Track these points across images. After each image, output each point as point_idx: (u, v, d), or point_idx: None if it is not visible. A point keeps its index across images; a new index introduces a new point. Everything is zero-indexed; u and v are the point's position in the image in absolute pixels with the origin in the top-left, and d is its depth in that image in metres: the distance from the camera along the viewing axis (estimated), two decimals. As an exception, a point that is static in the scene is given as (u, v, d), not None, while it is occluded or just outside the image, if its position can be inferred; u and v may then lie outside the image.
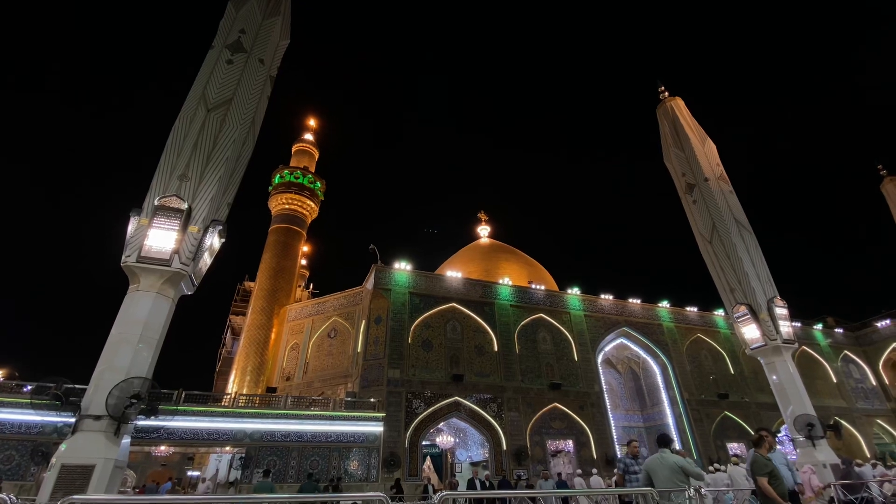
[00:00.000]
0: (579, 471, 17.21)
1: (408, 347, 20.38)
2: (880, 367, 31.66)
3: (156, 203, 9.27)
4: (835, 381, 29.73)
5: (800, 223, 70.23)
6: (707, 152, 17.75)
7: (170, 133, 10.09)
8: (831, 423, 13.47)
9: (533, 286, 25.71)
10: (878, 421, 29.26)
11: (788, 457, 8.03)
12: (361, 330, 21.64)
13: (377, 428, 17.99)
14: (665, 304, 27.90)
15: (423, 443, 19.68)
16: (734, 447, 24.00)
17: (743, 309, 14.57)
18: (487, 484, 11.97)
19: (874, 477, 10.74)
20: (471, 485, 11.51)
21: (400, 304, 21.23)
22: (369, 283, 22.26)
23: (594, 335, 24.76)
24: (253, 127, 10.92)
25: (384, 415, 18.27)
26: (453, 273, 23.79)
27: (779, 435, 15.90)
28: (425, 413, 19.24)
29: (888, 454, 26.28)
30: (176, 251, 9.10)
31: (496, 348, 21.96)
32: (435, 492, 13.58)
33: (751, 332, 14.23)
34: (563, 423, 21.57)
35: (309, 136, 34.00)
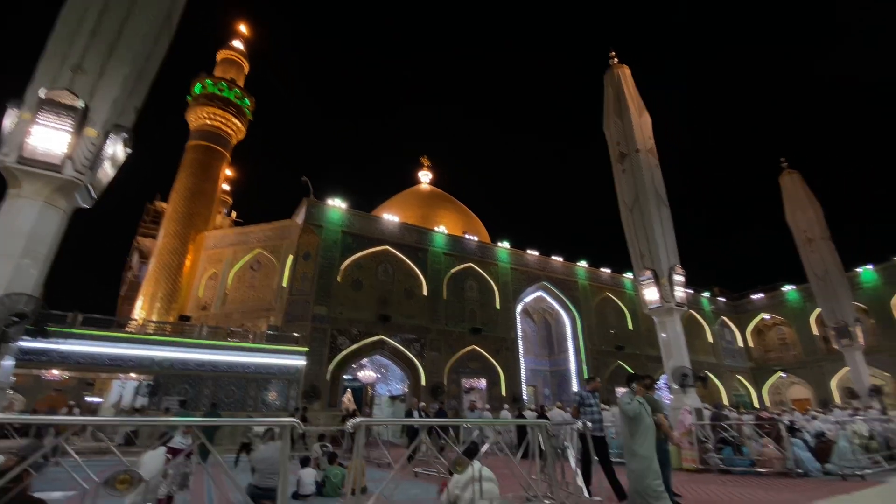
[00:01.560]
0: (488, 406, 17.79)
1: (337, 286, 19.49)
2: (748, 333, 35.67)
3: (42, 96, 7.57)
4: (710, 340, 33.30)
5: (706, 202, 75.70)
6: (643, 124, 17.61)
7: (60, 11, 8.14)
8: (701, 374, 14.70)
9: (467, 237, 25.43)
10: (739, 376, 33.40)
11: (664, 400, 8.51)
12: (288, 265, 20.23)
13: (299, 361, 17.33)
14: (583, 263, 29.05)
15: (346, 377, 19.56)
16: (621, 391, 26.14)
17: (648, 273, 15.04)
18: (423, 415, 11.92)
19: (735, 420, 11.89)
20: (409, 415, 11.39)
21: (331, 241, 20.01)
22: (300, 216, 20.66)
23: (517, 287, 25.22)
24: (168, 22, 8.91)
25: (307, 349, 17.57)
26: (390, 216, 22.75)
27: (658, 382, 17.20)
28: (350, 349, 18.85)
29: (741, 403, 30.08)
30: (69, 156, 7.63)
31: (425, 293, 21.81)
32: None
33: (651, 294, 14.81)
34: (479, 364, 22.24)
35: (238, 45, 28.72)
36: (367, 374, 20.00)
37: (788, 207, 24.33)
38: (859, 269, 30.56)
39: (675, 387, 13.04)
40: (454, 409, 18.85)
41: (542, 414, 14.41)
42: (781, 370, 32.59)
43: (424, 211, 30.14)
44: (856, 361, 21.40)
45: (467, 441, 6.71)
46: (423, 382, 20.14)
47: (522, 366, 24.26)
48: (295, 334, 17.76)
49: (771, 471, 8.79)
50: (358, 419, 4.15)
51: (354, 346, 19.02)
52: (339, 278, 19.74)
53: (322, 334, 18.45)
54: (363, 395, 20.79)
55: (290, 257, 20.16)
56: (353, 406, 18.72)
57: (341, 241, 20.27)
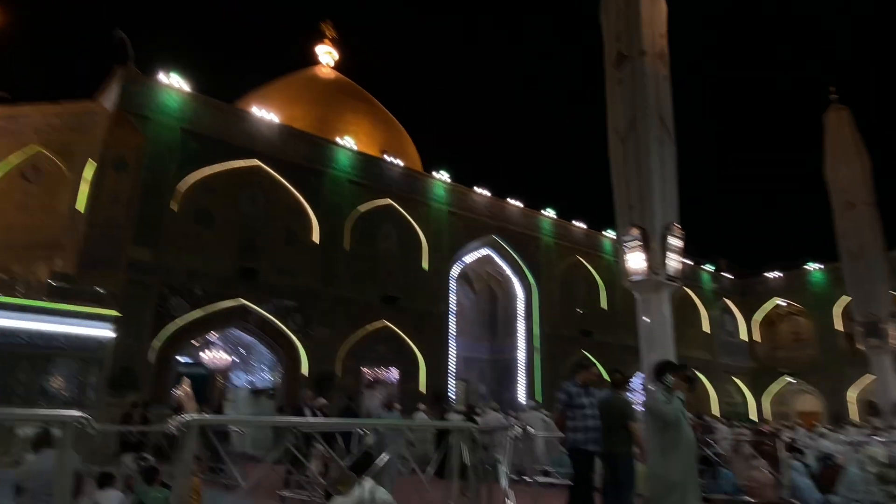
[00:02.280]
0: (421, 406, 17.98)
1: (171, 218, 18.16)
2: (755, 323, 38.92)
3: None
4: (707, 330, 36.03)
5: (722, 143, 79.63)
6: (655, 14, 17.37)
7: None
8: (689, 374, 15.65)
9: (387, 158, 24.64)
10: (735, 379, 36.56)
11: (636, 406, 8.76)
12: (88, 176, 18.33)
13: (103, 331, 16.12)
14: (550, 213, 29.59)
15: (182, 359, 18.82)
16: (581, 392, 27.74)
17: (636, 232, 15.32)
18: (319, 414, 11.82)
19: (727, 436, 12.65)
20: (299, 413, 11.27)
21: (165, 144, 18.41)
22: (109, 98, 18.56)
23: (455, 240, 25.26)
24: None
25: (117, 313, 16.35)
26: (265, 113, 21.20)
27: (632, 380, 18.26)
28: (191, 318, 17.90)
29: (734, 414, 33.13)
30: None
31: (316, 238, 21.11)
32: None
33: (636, 260, 15.20)
34: (391, 347, 22.37)
35: None
36: (216, 357, 19.43)
37: (830, 157, 25.99)
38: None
39: (653, 388, 13.75)
40: (367, 409, 18.85)
41: (470, 416, 14.77)
42: (790, 374, 36.26)
43: (322, 111, 28.42)
44: (884, 368, 23.91)
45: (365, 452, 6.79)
46: (306, 371, 19.90)
47: (453, 352, 24.73)
48: (98, 289, 16.43)
49: (761, 501, 9.47)
50: (189, 416, 3.64)
51: (198, 314, 18.16)
52: (174, 205, 18.38)
53: (144, 292, 17.32)
54: (209, 387, 20.35)
55: (91, 165, 18.34)
56: (193, 403, 18.13)
57: (181, 146, 18.72)
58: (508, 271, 28.30)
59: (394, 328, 22.46)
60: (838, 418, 29.26)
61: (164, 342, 17.39)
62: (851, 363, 33.32)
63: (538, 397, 25.95)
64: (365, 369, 21.79)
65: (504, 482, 6.23)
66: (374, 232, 22.89)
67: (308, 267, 20.73)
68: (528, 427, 6.01)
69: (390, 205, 23.52)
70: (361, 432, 8.98)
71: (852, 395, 33.76)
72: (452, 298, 25.51)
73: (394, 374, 22.42)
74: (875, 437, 12.83)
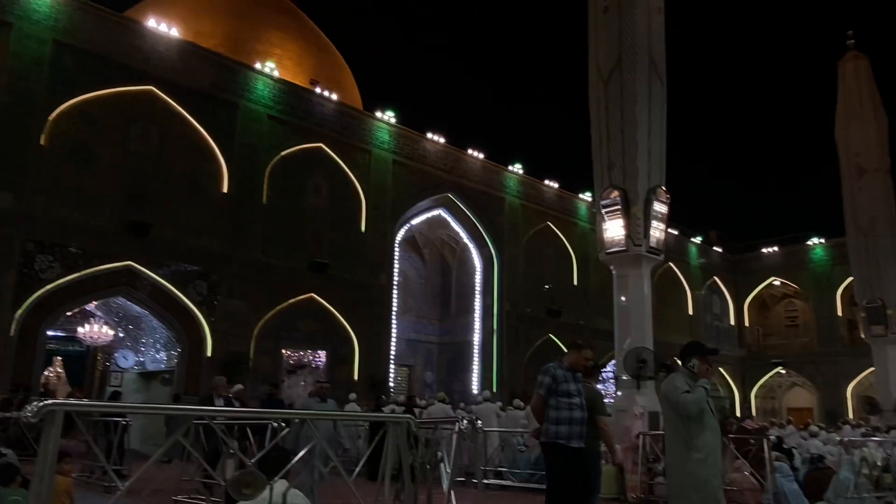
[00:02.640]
0: (353, 395, 17.97)
1: (39, 154, 17.33)
2: (746, 305, 40.43)
3: None
4: (691, 312, 37.24)
5: (720, 95, 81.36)
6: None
7: None
8: (668, 362, 16.05)
9: (318, 90, 24.03)
10: (721, 369, 37.99)
11: (606, 399, 8.92)
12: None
13: (-53, 296, 15.28)
14: (517, 169, 29.60)
15: (53, 333, 18.27)
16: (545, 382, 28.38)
17: (616, 195, 15.54)
18: (237, 404, 12.16)
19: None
20: (208, 403, 11.19)
21: (31, 59, 17.46)
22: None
23: (401, 195, 25.16)
24: None
25: (-33, 273, 15.55)
26: (164, 26, 20.22)
27: (604, 369, 18.77)
28: (62, 281, 17.27)
29: (718, 408, 34.47)
30: None
31: (226, 187, 20.60)
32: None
33: (615, 229, 15.39)
34: (319, 326, 22.32)
35: None
36: (96, 332, 18.90)
37: (842, 113, 26.86)
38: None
39: (627, 378, 14.03)
40: (259, 395, 18.71)
41: (410, 408, 14.81)
42: (781, 364, 38.04)
43: (237, 27, 26.74)
44: (886, 360, 25.31)
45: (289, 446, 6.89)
46: (210, 352, 19.61)
47: (394, 332, 24.75)
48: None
49: (743, 508, 9.83)
50: (52, 401, 3.40)
51: (73, 277, 17.51)
52: (43, 139, 17.49)
53: (3, 248, 16.59)
54: (88, 368, 19.88)
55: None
56: (64, 385, 17.71)
57: (52, 63, 17.73)
58: (465, 237, 28.36)
59: (322, 302, 22.28)
60: (833, 416, 30.89)
61: (29, 312, 16.78)
62: (851, 354, 35.10)
63: (495, 387, 26.34)
64: (286, 351, 21.65)
65: (446, 484, 6.18)
66: (299, 182, 22.46)
67: (215, 223, 20.29)
68: (478, 421, 5.93)
69: (320, 149, 23.08)
70: (276, 425, 8.83)
71: (850, 390, 35.68)
72: (396, 268, 25.41)
73: (321, 357, 22.33)
74: (872, 438, 13.49)
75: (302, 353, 22.00)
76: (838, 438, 11.05)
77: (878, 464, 10.14)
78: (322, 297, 22.23)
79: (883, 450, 10.40)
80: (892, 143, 27.25)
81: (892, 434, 19.79)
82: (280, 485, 4.44)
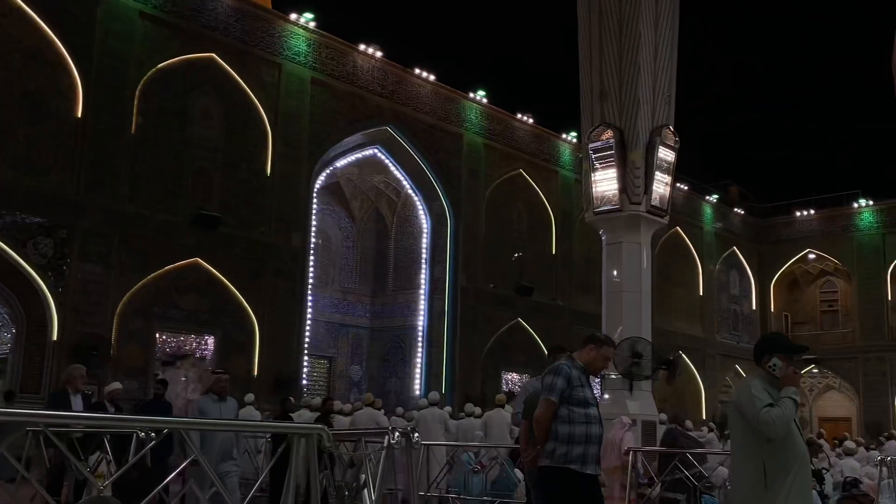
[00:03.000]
0: (250, 399, 17.93)
1: None
2: (772, 284, 41.35)
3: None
4: (701, 293, 38.08)
5: (746, 17, 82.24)
6: None
7: None
8: (670, 356, 16.38)
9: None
10: (738, 366, 38.89)
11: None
12: None
13: None
14: (481, 96, 29.40)
15: None
16: (513, 379, 28.54)
17: (608, 136, 15.58)
18: (112, 408, 12.22)
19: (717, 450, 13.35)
20: (61, 401, 11.53)
21: None
22: None
23: (323, 128, 25.25)
24: None
25: None
26: None
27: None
28: None
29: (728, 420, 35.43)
30: None
31: (80, 111, 20.30)
32: None
33: (606, 181, 15.45)
34: (207, 302, 22.32)
35: None
36: None
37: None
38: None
39: (616, 376, 14.19)
40: (134, 398, 18.46)
41: (326, 413, 14.75)
42: (815, 361, 39.12)
43: None
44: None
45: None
46: (56, 334, 19.37)
47: (309, 313, 24.66)
48: None
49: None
50: None
51: None
52: None
53: None
54: None
55: None
56: None
57: None
58: (409, 187, 28.28)
59: (211, 270, 22.14)
60: (876, 429, 32.01)
61: None
62: (903, 352, 36.49)
63: (444, 388, 26.50)
64: (161, 336, 21.50)
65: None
66: (181, 105, 22.10)
67: (65, 159, 19.97)
68: (415, 434, 5.84)
69: (212, 61, 22.74)
70: (143, 436, 8.74)
71: (901, 398, 37.07)
72: (314, 226, 25.22)
73: (209, 345, 22.23)
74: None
75: (183, 338, 21.87)
76: (880, 457, 11.32)
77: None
78: (211, 264, 22.09)
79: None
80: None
81: (948, 453, 20.74)
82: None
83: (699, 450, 11.77)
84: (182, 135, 21.96)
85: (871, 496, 10.55)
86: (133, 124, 20.97)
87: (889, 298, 37.99)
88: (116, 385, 13.15)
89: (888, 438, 22.66)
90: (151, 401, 14.42)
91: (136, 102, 21.06)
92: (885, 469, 9.67)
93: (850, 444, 17.06)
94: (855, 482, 11.38)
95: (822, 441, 21.88)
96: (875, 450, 19.50)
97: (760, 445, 5.18)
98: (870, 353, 37.90)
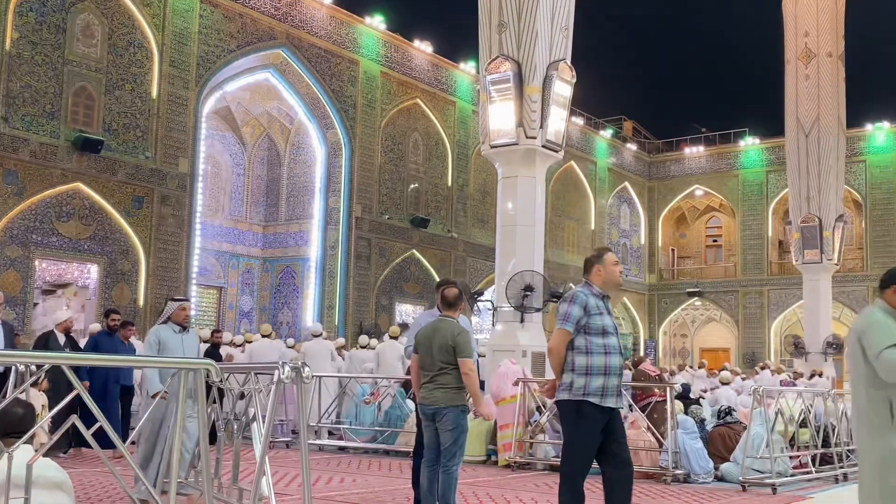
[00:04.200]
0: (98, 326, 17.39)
1: None
2: (661, 219, 42.70)
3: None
4: (593, 227, 38.92)
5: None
6: None
7: None
8: (561, 290, 16.66)
9: None
10: (626, 300, 40.18)
11: (475, 336, 9.14)
12: None
13: None
14: (378, 21, 29.29)
15: None
16: (407, 311, 28.82)
17: (506, 68, 15.55)
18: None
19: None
20: None
21: None
22: None
23: (212, 49, 24.70)
24: None
25: None
26: None
27: (480, 299, 19.34)
28: None
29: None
30: None
31: None
32: None
33: (503, 114, 15.51)
34: (89, 229, 21.88)
35: None
36: None
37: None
38: (869, 128, 38.03)
39: (508, 309, 14.47)
40: (43, 327, 17.79)
41: (214, 346, 14.59)
42: (698, 294, 40.79)
43: None
44: (818, 291, 27.46)
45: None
46: None
47: (198, 242, 24.31)
48: None
49: (635, 470, 10.48)
50: None
51: None
52: None
53: None
54: None
55: None
56: None
57: None
58: (303, 114, 27.87)
59: (93, 195, 21.56)
60: (753, 359, 33.79)
61: None
62: (780, 283, 38.28)
63: (338, 320, 26.57)
64: (42, 263, 21.00)
65: (259, 449, 6.09)
66: (60, 21, 21.23)
67: None
68: (307, 366, 5.77)
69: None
70: (23, 369, 8.49)
71: (775, 327, 39.18)
72: (203, 152, 24.65)
73: (93, 273, 21.74)
74: (792, 387, 14.56)
75: (64, 266, 21.45)
76: (753, 387, 11.87)
77: (796, 418, 11.09)
78: (93, 189, 21.53)
79: (802, 401, 11.19)
80: (849, 23, 28.89)
81: (816, 382, 21.93)
82: (23, 451, 4.17)
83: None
84: (60, 53, 21.01)
85: (744, 423, 10.93)
86: (7, 40, 19.96)
87: (769, 234, 39.68)
88: None
89: (762, 368, 23.77)
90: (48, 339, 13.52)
91: (10, 17, 20.02)
92: (757, 397, 10.23)
93: (726, 374, 17.73)
94: (729, 410, 11.84)
95: (700, 370, 22.96)
96: (749, 379, 20.47)
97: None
98: (749, 286, 39.66)
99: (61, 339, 11.90)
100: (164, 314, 8.52)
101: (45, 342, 12.04)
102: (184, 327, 8.55)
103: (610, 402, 5.88)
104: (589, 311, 6.00)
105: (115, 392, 12.00)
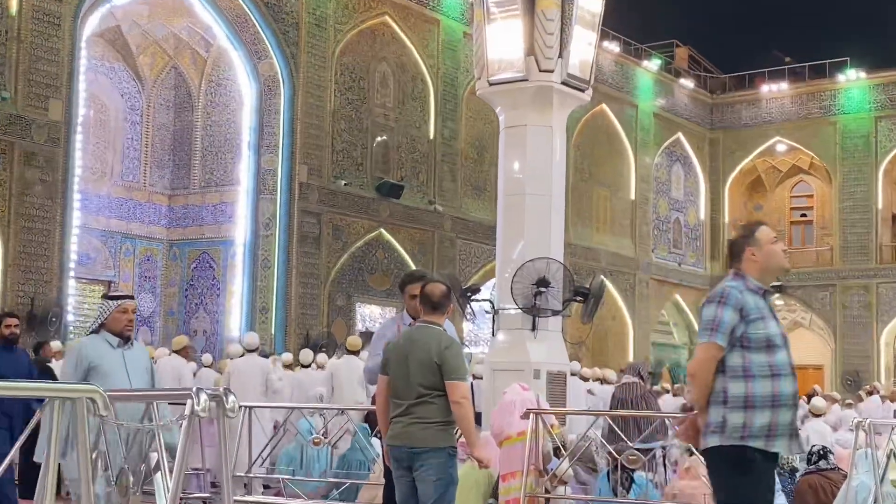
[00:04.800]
0: None
1: None
2: (728, 184, 42.49)
3: None
4: (633, 196, 38.99)
5: None
6: None
7: None
8: (588, 285, 16.63)
9: None
10: (678, 296, 40.10)
11: (467, 349, 9.21)
12: None
13: None
14: None
15: None
16: (371, 315, 28.78)
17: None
18: None
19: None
20: None
21: None
22: None
23: None
24: None
25: None
26: None
27: (474, 299, 19.34)
28: None
29: (668, 367, 36.52)
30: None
31: None
32: None
33: (507, 38, 15.53)
34: None
35: None
36: None
37: None
38: None
39: (513, 310, 14.38)
40: None
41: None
42: (779, 289, 40.28)
43: None
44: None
45: None
46: None
47: (76, 218, 24.38)
48: None
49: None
50: None
51: None
52: None
53: None
54: None
55: None
56: None
57: None
58: (224, 38, 27.84)
59: None
60: (856, 381, 33.73)
61: None
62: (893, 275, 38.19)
63: (274, 328, 26.52)
64: None
65: (163, 497, 6.15)
66: None
67: None
68: (231, 394, 5.79)
69: None
70: None
71: (886, 336, 39.00)
72: (83, 92, 24.59)
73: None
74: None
75: None
76: (856, 419, 11.72)
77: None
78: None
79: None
80: None
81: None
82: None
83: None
84: None
85: (844, 470, 10.82)
86: None
87: (879, 206, 39.59)
88: None
89: (869, 394, 23.67)
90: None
91: None
92: (862, 434, 10.05)
93: (819, 401, 17.61)
94: (824, 452, 11.67)
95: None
96: (851, 409, 20.46)
97: None
98: (851, 279, 39.56)
99: None
100: (95, 320, 7.89)
101: None
102: (125, 339, 7.90)
103: (778, 446, 5.65)
104: (748, 314, 5.71)
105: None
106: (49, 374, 14.05)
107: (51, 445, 4.58)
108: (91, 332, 7.54)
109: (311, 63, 28.27)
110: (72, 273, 24.23)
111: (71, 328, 23.88)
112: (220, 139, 28.45)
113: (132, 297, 8.10)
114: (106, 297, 8.01)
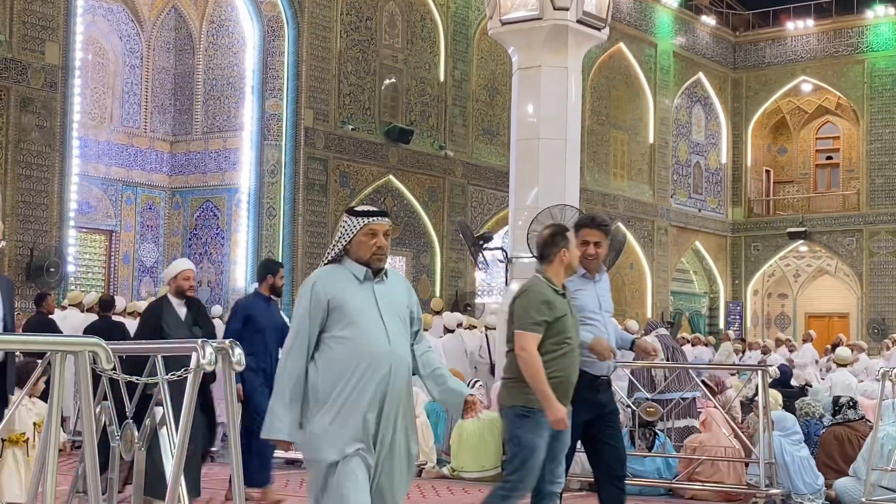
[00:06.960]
0: None
1: None
2: (751, 127, 42.27)
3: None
4: (651, 140, 38.94)
5: None
6: None
7: None
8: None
9: None
10: (698, 243, 40.06)
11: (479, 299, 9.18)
12: None
13: None
14: None
15: None
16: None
17: None
18: None
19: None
20: None
21: None
22: None
23: None
24: None
25: None
26: None
27: (487, 247, 19.35)
28: None
29: (687, 317, 36.55)
30: None
31: None
32: None
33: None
34: None
35: None
36: None
37: None
38: None
39: (527, 258, 14.41)
40: None
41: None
42: (804, 235, 40.42)
43: None
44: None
45: None
46: None
47: (75, 165, 24.38)
48: None
49: (711, 489, 10.67)
50: None
51: None
52: None
53: None
54: None
55: None
56: None
57: None
58: (223, -24, 27.52)
59: None
60: (883, 329, 33.71)
61: None
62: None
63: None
64: None
65: (172, 466, 6.15)
66: None
67: None
68: (237, 346, 5.81)
69: None
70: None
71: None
72: (79, 35, 24.48)
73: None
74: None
75: None
76: (883, 368, 11.71)
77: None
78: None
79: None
80: None
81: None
82: None
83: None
84: None
85: (871, 421, 10.83)
86: None
87: (911, 151, 39.20)
88: None
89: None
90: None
91: None
92: (888, 384, 10.01)
93: (844, 350, 17.55)
94: (851, 403, 11.63)
95: (806, 344, 22.97)
96: (878, 358, 20.42)
97: None
98: (879, 223, 39.42)
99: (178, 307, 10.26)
100: (335, 243, 6.27)
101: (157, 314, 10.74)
102: (376, 271, 6.57)
103: None
104: None
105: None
106: (51, 328, 14.14)
107: (53, 399, 4.62)
108: (329, 262, 5.94)
109: (315, 2, 28.11)
110: (72, 223, 24.24)
111: (71, 279, 23.98)
112: (223, 83, 28.35)
113: (385, 214, 6.19)
114: (350, 211, 6.13)
